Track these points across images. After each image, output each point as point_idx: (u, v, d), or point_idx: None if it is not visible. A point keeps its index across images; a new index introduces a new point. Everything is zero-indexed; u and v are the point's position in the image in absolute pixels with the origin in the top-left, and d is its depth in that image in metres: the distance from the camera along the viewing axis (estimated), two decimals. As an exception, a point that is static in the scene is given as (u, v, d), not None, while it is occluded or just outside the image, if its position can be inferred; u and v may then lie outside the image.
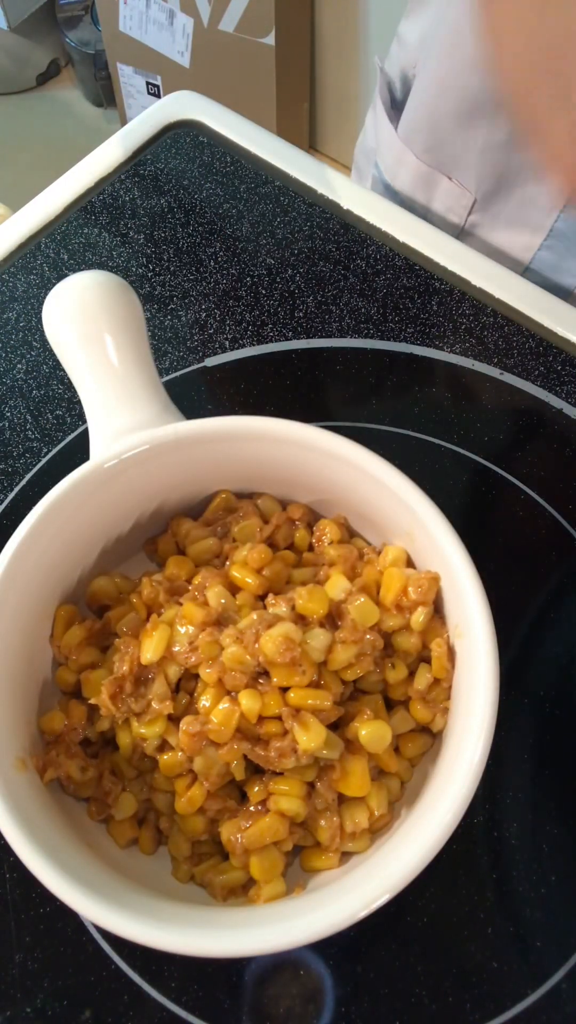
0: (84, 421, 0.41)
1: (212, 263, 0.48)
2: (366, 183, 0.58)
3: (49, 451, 0.42)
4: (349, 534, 0.34)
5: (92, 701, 0.29)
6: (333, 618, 0.30)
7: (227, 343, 0.45)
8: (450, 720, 0.29)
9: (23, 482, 0.41)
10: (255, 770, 0.29)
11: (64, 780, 0.29)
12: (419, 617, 0.30)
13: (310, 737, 0.27)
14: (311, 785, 0.28)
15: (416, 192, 0.51)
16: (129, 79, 1.52)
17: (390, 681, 0.30)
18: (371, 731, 0.28)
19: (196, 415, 0.32)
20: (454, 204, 0.50)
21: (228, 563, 0.32)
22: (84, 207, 0.50)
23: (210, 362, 0.44)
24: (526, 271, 0.49)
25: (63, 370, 0.34)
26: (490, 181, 0.47)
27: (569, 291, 0.49)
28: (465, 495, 0.41)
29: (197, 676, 0.29)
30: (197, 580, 0.31)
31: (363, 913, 0.24)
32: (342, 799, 0.29)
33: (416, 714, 0.30)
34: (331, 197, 0.50)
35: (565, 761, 0.35)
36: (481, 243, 0.50)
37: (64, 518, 0.30)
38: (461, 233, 0.50)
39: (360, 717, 0.29)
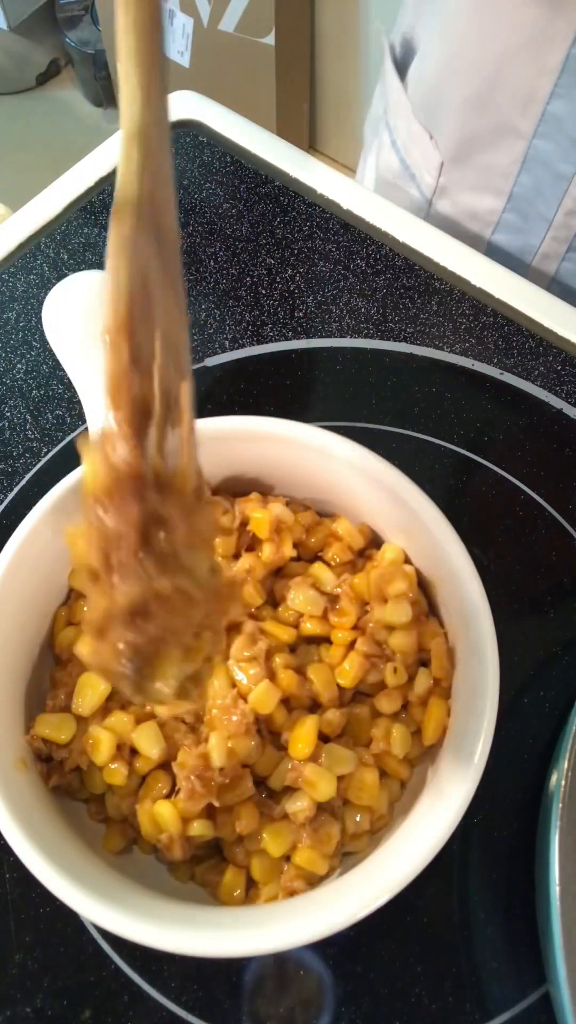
0: (84, 421, 0.41)
1: (212, 263, 0.48)
2: (369, 155, 0.58)
3: (49, 451, 0.42)
4: (370, 543, 0.34)
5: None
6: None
7: (227, 343, 0.45)
8: (450, 720, 0.29)
9: (23, 482, 0.41)
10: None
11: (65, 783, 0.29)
12: (404, 608, 0.30)
13: (322, 790, 0.27)
14: None
15: (409, 150, 0.53)
16: (129, 79, 1.52)
17: (390, 684, 0.30)
18: (397, 736, 0.29)
19: (196, 415, 0.31)
20: (429, 164, 0.51)
21: None
22: (84, 207, 0.49)
23: (210, 362, 0.44)
24: (495, 232, 0.51)
25: (63, 370, 0.34)
26: (455, 144, 0.49)
27: (533, 252, 0.51)
28: (465, 495, 0.41)
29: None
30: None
31: (363, 913, 0.24)
32: (345, 802, 0.29)
33: (416, 716, 0.30)
34: (331, 197, 0.50)
35: (565, 761, 0.35)
36: (454, 205, 0.52)
37: (64, 518, 0.30)
38: (436, 194, 0.52)
39: (378, 722, 0.29)
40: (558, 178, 0.45)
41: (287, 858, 0.28)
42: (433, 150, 0.50)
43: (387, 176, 0.56)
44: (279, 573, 0.32)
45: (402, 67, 0.52)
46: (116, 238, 0.19)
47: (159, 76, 0.22)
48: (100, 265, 0.47)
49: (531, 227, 0.49)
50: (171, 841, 0.27)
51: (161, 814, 0.27)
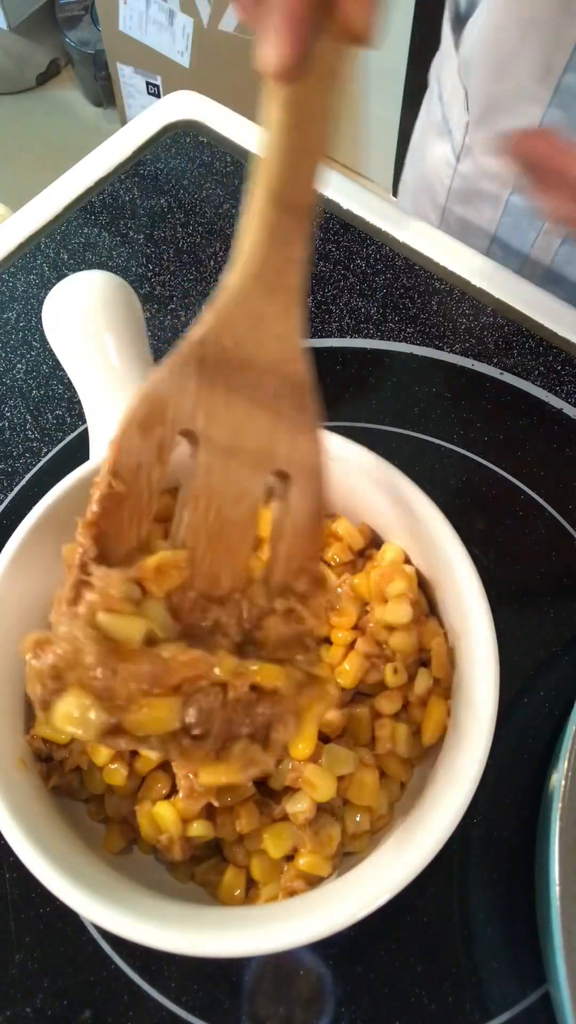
0: (84, 421, 0.41)
1: (212, 263, 0.48)
2: (431, 103, 0.60)
3: (49, 451, 0.42)
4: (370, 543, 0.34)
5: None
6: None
7: (227, 343, 0.45)
8: (450, 720, 0.29)
9: (23, 482, 0.41)
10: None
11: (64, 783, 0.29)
12: (404, 608, 0.30)
13: (322, 791, 0.27)
14: None
15: (451, 106, 0.54)
16: (129, 79, 1.52)
17: (390, 685, 0.30)
18: (401, 736, 0.29)
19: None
20: (460, 122, 0.53)
21: None
22: (84, 207, 0.49)
23: (210, 362, 0.44)
24: (512, 194, 0.52)
25: (63, 370, 0.34)
26: (480, 106, 0.50)
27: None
28: (465, 495, 0.41)
29: None
30: None
31: (363, 913, 0.24)
32: (345, 802, 0.29)
33: (416, 716, 0.30)
34: (331, 197, 0.50)
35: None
36: (475, 165, 0.53)
37: (64, 518, 0.30)
38: (463, 151, 0.53)
39: (383, 723, 0.29)
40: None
41: (287, 858, 0.28)
42: (464, 109, 0.51)
43: (430, 128, 0.57)
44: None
45: (463, 21, 0.53)
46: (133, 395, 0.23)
47: (276, 269, 0.23)
48: (100, 265, 0.47)
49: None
50: (171, 842, 0.27)
51: (161, 815, 0.27)
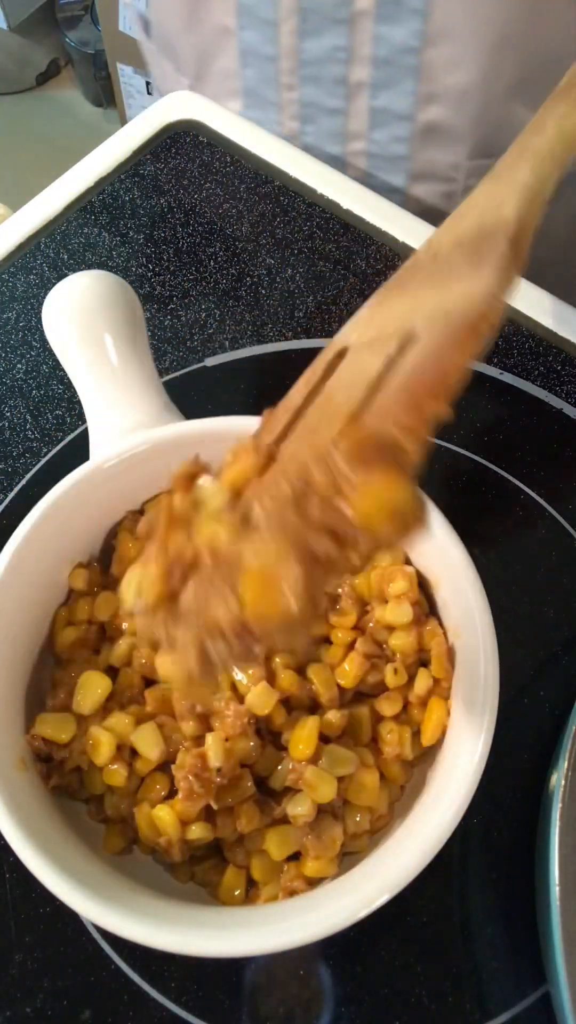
0: (84, 421, 0.41)
1: (212, 263, 0.48)
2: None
3: (49, 451, 0.42)
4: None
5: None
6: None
7: (227, 343, 0.45)
8: (450, 720, 0.29)
9: (23, 482, 0.41)
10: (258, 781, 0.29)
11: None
12: (404, 608, 0.30)
13: (323, 793, 0.27)
14: None
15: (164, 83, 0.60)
16: (129, 79, 1.52)
17: (390, 685, 0.30)
18: (406, 739, 0.29)
19: (196, 415, 0.31)
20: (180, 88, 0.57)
21: None
22: (84, 207, 0.49)
23: (210, 362, 0.44)
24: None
25: (63, 370, 0.34)
26: (193, 63, 0.54)
27: (279, 138, 0.52)
28: (465, 495, 0.41)
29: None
30: None
31: (363, 913, 0.24)
32: (345, 802, 0.29)
33: (416, 716, 0.30)
34: (331, 197, 0.50)
35: (565, 761, 0.35)
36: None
37: (64, 518, 0.30)
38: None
39: (388, 726, 0.29)
40: (266, 60, 0.48)
41: (288, 858, 0.28)
42: (178, 77, 0.55)
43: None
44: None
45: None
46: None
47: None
48: (100, 265, 0.47)
49: (269, 116, 0.52)
50: (169, 844, 0.27)
51: (159, 818, 0.27)
